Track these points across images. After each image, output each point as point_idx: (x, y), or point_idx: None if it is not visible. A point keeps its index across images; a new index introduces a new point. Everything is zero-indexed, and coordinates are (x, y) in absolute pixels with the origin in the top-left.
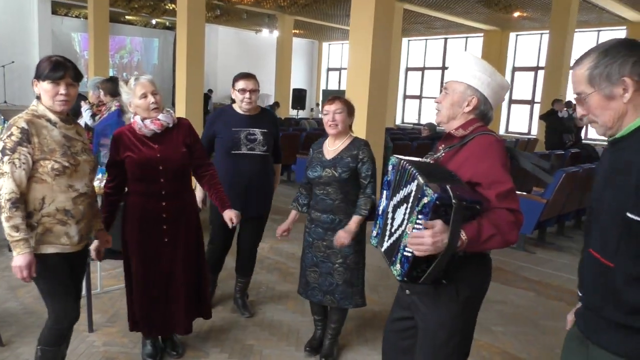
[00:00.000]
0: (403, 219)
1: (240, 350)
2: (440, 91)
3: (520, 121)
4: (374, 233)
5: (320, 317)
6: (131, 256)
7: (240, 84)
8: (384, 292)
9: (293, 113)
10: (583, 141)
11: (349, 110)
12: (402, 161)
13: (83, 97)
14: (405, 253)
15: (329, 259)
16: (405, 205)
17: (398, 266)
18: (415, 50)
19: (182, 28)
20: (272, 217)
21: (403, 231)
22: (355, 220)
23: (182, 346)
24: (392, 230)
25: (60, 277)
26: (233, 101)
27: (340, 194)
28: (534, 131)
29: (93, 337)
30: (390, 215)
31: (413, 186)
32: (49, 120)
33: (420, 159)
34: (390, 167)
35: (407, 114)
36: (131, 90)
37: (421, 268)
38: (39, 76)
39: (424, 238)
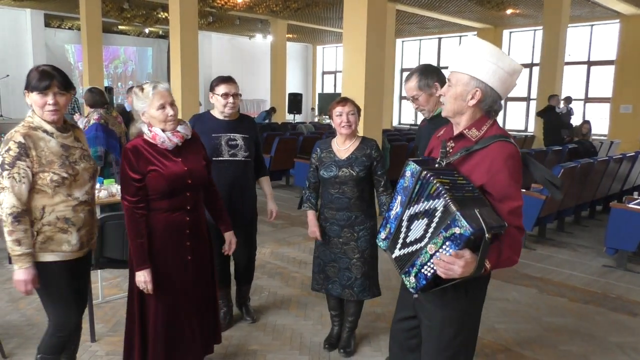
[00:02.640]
0: (424, 236)
1: (244, 356)
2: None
3: (516, 118)
4: (383, 235)
5: (337, 313)
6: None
7: (222, 89)
8: (385, 293)
9: (290, 118)
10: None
11: (359, 111)
12: (425, 172)
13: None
14: (424, 271)
15: (346, 255)
16: (426, 220)
17: (413, 279)
18: (410, 50)
19: (175, 36)
20: (272, 222)
21: (423, 248)
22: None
23: None
24: (408, 240)
25: (60, 284)
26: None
27: (356, 192)
28: (531, 128)
29: (95, 347)
30: (405, 224)
31: (439, 205)
32: (45, 131)
33: (436, 164)
34: (408, 173)
35: (404, 115)
36: (147, 99)
37: (435, 283)
38: (27, 87)
39: (454, 266)
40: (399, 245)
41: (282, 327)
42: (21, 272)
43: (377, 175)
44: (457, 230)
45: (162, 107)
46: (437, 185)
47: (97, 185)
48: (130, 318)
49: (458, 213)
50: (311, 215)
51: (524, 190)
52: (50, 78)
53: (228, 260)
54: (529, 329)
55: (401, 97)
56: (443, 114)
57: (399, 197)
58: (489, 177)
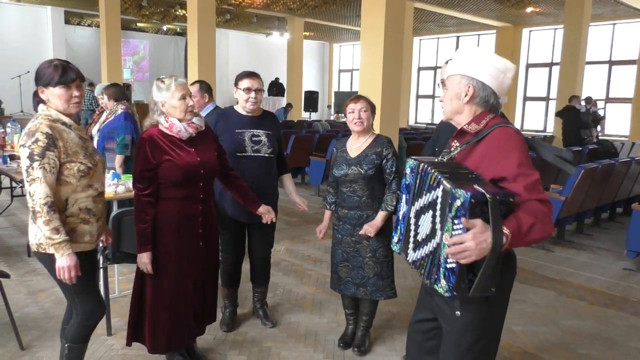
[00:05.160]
0: (434, 229)
1: (258, 353)
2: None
3: (535, 118)
4: (395, 239)
5: (351, 311)
6: (164, 266)
7: (245, 83)
8: (401, 292)
9: (305, 115)
10: (600, 137)
11: (372, 108)
12: (422, 164)
13: None
14: (448, 265)
15: (359, 253)
16: (431, 212)
17: (443, 282)
18: (427, 49)
19: (193, 34)
20: (287, 219)
21: (439, 243)
22: (380, 215)
23: (207, 357)
24: (419, 238)
25: (87, 275)
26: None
27: (366, 190)
28: (550, 128)
29: (112, 341)
30: (412, 222)
31: (439, 192)
32: (64, 124)
33: (436, 159)
34: (408, 170)
35: (420, 114)
36: (170, 90)
37: (468, 278)
38: (48, 83)
39: (466, 243)
40: (411, 245)
41: (296, 325)
42: (64, 259)
43: (385, 173)
44: (458, 203)
45: (183, 97)
46: (436, 174)
47: (116, 181)
48: (135, 294)
49: (453, 186)
50: (326, 215)
51: None
52: (73, 71)
53: (241, 259)
54: (547, 332)
55: (418, 96)
56: (444, 118)
57: (404, 196)
58: (495, 163)
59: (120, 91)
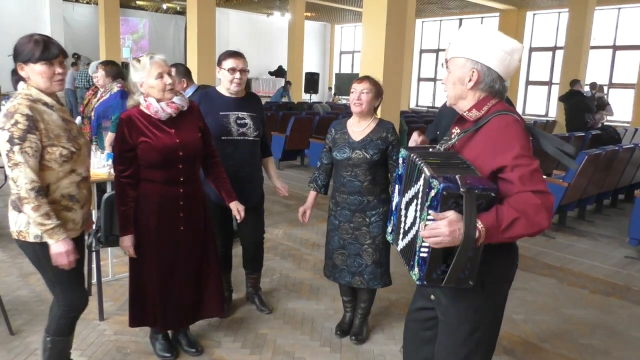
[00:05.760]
0: (415, 217)
1: (254, 340)
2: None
3: (537, 103)
4: (389, 229)
5: (349, 299)
6: (146, 247)
7: (229, 63)
8: (400, 279)
9: (306, 97)
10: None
11: (377, 91)
12: (412, 155)
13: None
14: (421, 254)
15: (357, 240)
16: (415, 201)
17: (417, 270)
18: (429, 31)
19: (193, 12)
20: (285, 202)
21: (417, 231)
22: None
23: (200, 344)
24: (406, 228)
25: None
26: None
27: (369, 175)
28: (552, 113)
29: (104, 326)
30: (403, 212)
31: (421, 181)
32: (45, 104)
33: (432, 148)
34: (400, 161)
35: (421, 97)
36: (145, 70)
37: (441, 269)
38: (28, 59)
39: (439, 229)
40: (401, 236)
41: (292, 311)
42: (60, 245)
43: (392, 160)
44: (432, 193)
45: (161, 76)
46: (420, 164)
47: (110, 161)
48: (129, 275)
49: (431, 176)
50: (311, 196)
51: (545, 176)
52: (56, 46)
53: (230, 244)
54: (548, 321)
55: (419, 79)
56: (448, 104)
57: (397, 187)
58: (493, 153)
59: (117, 69)
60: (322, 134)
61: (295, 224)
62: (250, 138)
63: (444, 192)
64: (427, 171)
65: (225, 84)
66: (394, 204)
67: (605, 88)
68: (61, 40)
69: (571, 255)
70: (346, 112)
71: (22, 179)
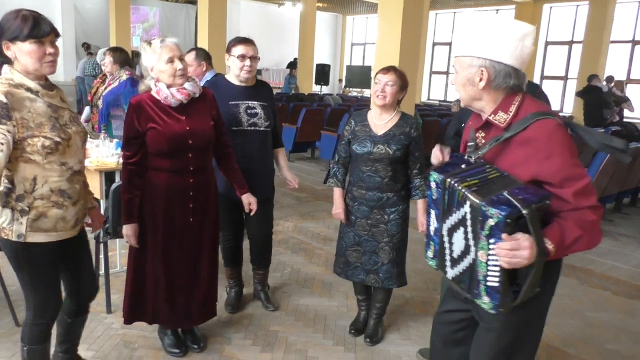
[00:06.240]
0: (467, 245)
1: (265, 337)
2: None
3: (552, 98)
4: (430, 254)
5: (363, 297)
6: (150, 236)
7: (239, 49)
8: (415, 277)
9: (317, 89)
10: (624, 119)
11: (402, 84)
12: (449, 180)
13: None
14: (489, 283)
15: (374, 238)
16: (462, 229)
17: (486, 299)
18: (443, 24)
19: (204, 2)
20: (297, 195)
21: (474, 259)
22: (421, 204)
23: (204, 339)
24: (455, 256)
25: (43, 268)
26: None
27: (389, 171)
28: (567, 108)
29: (111, 319)
30: (446, 239)
31: (467, 208)
32: (29, 90)
33: (461, 162)
34: (433, 185)
35: (434, 91)
36: (155, 53)
37: (512, 290)
38: (15, 37)
39: (518, 250)
40: (448, 263)
41: (304, 308)
42: None
43: (414, 156)
44: (491, 223)
45: (171, 60)
46: (463, 191)
47: (119, 150)
48: (128, 267)
49: (482, 203)
50: (338, 193)
51: None
52: (47, 23)
53: (241, 238)
54: (571, 324)
55: (432, 72)
56: (462, 105)
57: (433, 212)
58: (537, 167)
59: (125, 56)
60: (333, 125)
61: (306, 217)
62: (262, 129)
63: (507, 220)
64: (473, 198)
65: (235, 71)
66: (432, 228)
67: (623, 84)
68: (72, 29)
69: (592, 255)
70: (357, 104)
71: None
